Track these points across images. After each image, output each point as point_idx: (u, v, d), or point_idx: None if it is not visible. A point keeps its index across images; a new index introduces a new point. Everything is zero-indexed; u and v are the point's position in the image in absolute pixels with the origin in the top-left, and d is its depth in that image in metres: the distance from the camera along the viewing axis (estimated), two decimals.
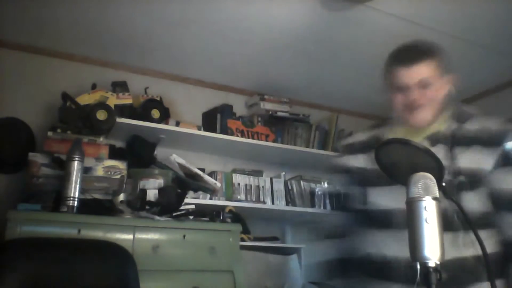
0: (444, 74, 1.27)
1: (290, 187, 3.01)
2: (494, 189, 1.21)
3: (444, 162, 1.05)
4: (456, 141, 1.23)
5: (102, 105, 2.33)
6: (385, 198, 1.23)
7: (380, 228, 1.24)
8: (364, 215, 1.30)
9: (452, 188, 1.15)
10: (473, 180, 1.18)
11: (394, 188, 1.15)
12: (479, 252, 0.90)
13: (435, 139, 1.24)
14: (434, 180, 0.82)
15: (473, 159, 1.20)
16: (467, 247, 1.12)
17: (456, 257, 1.11)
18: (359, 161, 1.34)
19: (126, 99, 2.50)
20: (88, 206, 1.99)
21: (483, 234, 0.97)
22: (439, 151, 1.19)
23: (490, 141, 1.22)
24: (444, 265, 0.95)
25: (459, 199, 1.11)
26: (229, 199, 2.74)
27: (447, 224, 0.92)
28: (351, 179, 1.38)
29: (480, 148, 1.21)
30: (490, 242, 1.16)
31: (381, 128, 1.40)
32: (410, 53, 1.28)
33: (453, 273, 1.06)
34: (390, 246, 1.20)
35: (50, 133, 2.26)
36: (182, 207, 2.24)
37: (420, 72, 1.23)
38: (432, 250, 0.77)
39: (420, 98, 1.23)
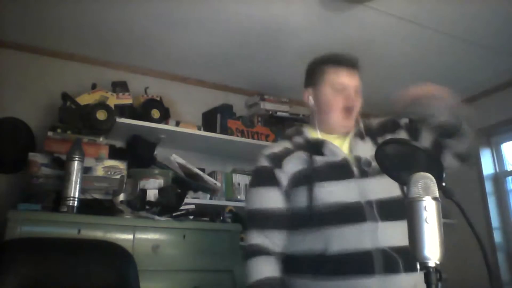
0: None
1: None
2: None
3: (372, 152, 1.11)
4: (377, 132, 1.39)
5: (102, 105, 2.33)
6: (339, 193, 1.24)
7: (338, 223, 1.21)
8: (310, 216, 1.26)
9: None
10: None
11: (344, 182, 1.25)
12: None
13: (360, 135, 1.37)
14: (434, 180, 0.82)
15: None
16: None
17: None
18: (295, 164, 1.33)
19: (126, 99, 2.50)
20: (88, 206, 1.99)
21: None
22: (367, 143, 1.34)
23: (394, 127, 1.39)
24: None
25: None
26: (229, 199, 2.74)
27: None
28: (283, 190, 1.34)
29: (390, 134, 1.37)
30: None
31: (298, 136, 1.44)
32: (350, 59, 1.38)
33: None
34: (353, 239, 1.19)
35: (50, 133, 2.26)
36: (182, 207, 2.24)
37: (357, 78, 1.37)
38: (432, 250, 0.77)
39: (355, 102, 1.35)
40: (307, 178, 1.29)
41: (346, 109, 1.34)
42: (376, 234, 1.19)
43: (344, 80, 1.36)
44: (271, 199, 1.34)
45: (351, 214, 1.21)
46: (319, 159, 1.31)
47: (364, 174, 1.27)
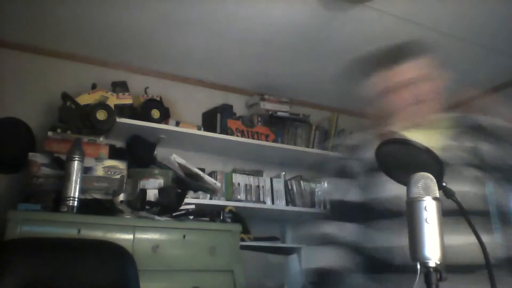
0: (434, 70, 1.28)
1: (290, 187, 3.01)
2: None
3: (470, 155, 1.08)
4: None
5: (102, 105, 2.33)
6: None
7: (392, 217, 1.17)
8: (369, 211, 1.24)
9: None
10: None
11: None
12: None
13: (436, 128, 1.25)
14: (435, 180, 0.82)
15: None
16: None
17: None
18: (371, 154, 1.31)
19: (126, 99, 2.50)
20: (88, 206, 1.99)
21: None
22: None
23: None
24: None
25: None
26: (229, 199, 2.74)
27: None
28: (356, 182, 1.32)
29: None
30: None
31: (378, 126, 1.37)
32: (398, 51, 1.29)
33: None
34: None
35: (50, 133, 2.26)
36: (182, 207, 2.24)
37: (409, 69, 1.25)
38: (433, 250, 0.77)
39: (408, 97, 1.23)
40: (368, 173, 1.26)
41: (412, 100, 1.24)
42: None
43: (394, 79, 1.24)
44: (344, 191, 1.33)
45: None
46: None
47: None
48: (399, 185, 1.01)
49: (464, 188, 1.14)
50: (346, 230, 1.29)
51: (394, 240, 1.15)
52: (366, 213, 1.27)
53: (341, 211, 1.33)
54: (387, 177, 1.06)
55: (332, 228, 1.31)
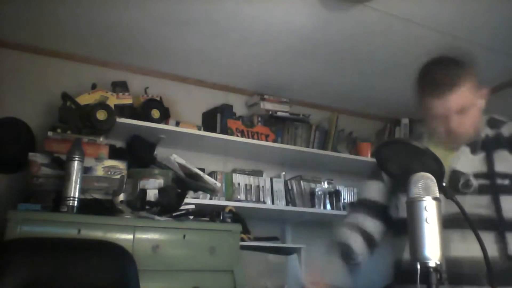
0: (477, 90, 1.23)
1: (290, 187, 3.01)
2: None
3: (482, 167, 1.12)
4: (494, 145, 1.23)
5: (102, 105, 2.33)
6: None
7: None
8: (399, 224, 1.28)
9: (492, 191, 1.16)
10: None
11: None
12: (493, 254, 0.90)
13: (474, 147, 1.24)
14: (435, 180, 0.82)
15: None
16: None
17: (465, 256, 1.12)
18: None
19: (126, 99, 2.50)
20: (88, 206, 1.99)
21: None
22: (479, 157, 1.21)
23: None
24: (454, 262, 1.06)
25: (499, 202, 1.15)
26: (229, 199, 2.74)
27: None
28: (387, 187, 1.36)
29: None
30: None
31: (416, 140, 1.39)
32: (440, 83, 1.18)
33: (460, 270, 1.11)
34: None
35: (50, 133, 2.26)
36: (182, 207, 2.24)
37: (454, 101, 1.17)
38: (432, 250, 0.77)
39: (459, 125, 1.19)
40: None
41: (447, 133, 1.21)
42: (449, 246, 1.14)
43: (437, 110, 1.19)
44: (371, 191, 1.40)
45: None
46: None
47: (456, 189, 1.19)
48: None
49: None
50: (365, 223, 1.36)
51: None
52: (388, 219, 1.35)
53: (365, 206, 1.39)
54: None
55: (353, 219, 1.39)
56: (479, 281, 1.10)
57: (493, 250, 1.12)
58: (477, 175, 1.18)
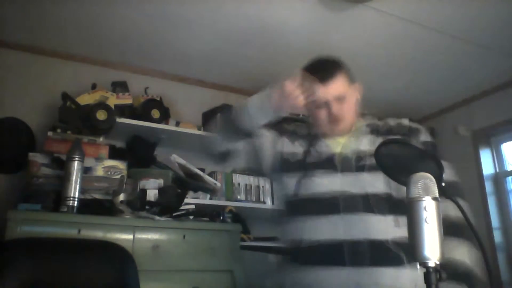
0: (352, 84, 1.37)
1: None
2: None
3: (371, 147, 1.21)
4: (376, 132, 1.36)
5: (102, 105, 2.33)
6: (327, 186, 1.28)
7: (320, 213, 1.26)
8: (295, 204, 1.33)
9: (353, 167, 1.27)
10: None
11: (327, 176, 1.27)
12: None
13: (358, 134, 1.36)
14: (434, 180, 0.82)
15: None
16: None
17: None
18: (298, 149, 1.38)
19: (126, 99, 2.50)
20: (88, 206, 1.99)
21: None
22: (366, 139, 1.33)
23: (406, 133, 1.36)
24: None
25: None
26: (229, 199, 2.74)
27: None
28: (277, 165, 1.40)
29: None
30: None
31: (305, 127, 1.47)
32: (324, 70, 1.35)
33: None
34: (336, 230, 1.21)
35: (50, 133, 2.26)
36: (182, 207, 2.24)
37: (335, 87, 1.32)
38: (432, 250, 0.77)
39: (339, 111, 1.32)
40: (300, 167, 1.34)
41: (331, 121, 1.33)
42: (350, 225, 1.21)
43: (322, 95, 1.31)
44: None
45: (325, 206, 1.25)
46: (312, 152, 1.37)
47: (349, 169, 1.29)
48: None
49: None
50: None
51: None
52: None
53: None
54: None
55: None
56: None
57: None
58: (369, 154, 1.24)
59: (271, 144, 1.43)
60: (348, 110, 1.34)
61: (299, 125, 1.50)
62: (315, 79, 1.29)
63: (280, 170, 1.39)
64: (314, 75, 1.31)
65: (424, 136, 1.36)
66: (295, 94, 1.22)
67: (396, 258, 1.17)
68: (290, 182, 1.33)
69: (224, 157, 1.49)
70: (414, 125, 1.40)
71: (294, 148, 1.39)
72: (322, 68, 1.37)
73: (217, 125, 1.53)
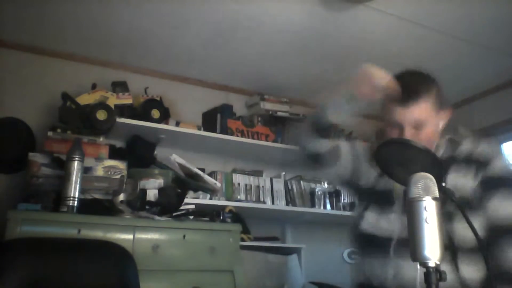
0: (439, 110, 1.23)
1: (290, 187, 3.01)
2: (489, 215, 1.13)
3: None
4: (447, 167, 1.20)
5: (102, 105, 2.33)
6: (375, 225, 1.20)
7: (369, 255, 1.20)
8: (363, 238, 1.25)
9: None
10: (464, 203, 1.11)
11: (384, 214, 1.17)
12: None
13: None
14: (434, 181, 0.82)
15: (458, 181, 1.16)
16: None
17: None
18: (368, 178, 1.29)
19: (126, 99, 2.50)
20: (88, 206, 1.99)
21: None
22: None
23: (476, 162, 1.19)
24: None
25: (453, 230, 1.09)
26: (229, 199, 2.74)
27: None
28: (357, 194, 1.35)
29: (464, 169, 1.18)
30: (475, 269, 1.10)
31: None
32: (408, 91, 1.18)
33: None
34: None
35: (50, 133, 2.26)
36: (182, 207, 2.24)
37: (415, 112, 1.18)
38: (432, 250, 0.77)
39: (412, 139, 1.15)
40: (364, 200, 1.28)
41: None
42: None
43: (396, 118, 1.19)
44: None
45: (380, 247, 1.17)
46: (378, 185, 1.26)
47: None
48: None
49: None
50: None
51: None
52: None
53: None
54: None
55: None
56: None
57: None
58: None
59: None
60: (425, 139, 1.17)
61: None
62: (395, 99, 1.16)
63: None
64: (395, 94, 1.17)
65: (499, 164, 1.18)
66: (378, 75, 1.12)
67: None
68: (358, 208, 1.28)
69: (318, 159, 1.34)
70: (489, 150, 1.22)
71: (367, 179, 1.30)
72: (406, 86, 1.18)
73: (301, 132, 1.39)
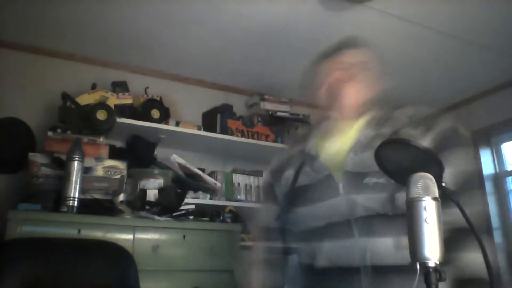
0: (373, 70, 1.21)
1: None
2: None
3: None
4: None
5: (102, 105, 2.33)
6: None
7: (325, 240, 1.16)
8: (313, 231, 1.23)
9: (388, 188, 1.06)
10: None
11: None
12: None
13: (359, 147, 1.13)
14: (434, 180, 0.82)
15: None
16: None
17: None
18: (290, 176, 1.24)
19: (126, 99, 2.50)
20: (88, 206, 1.99)
21: None
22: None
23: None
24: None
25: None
26: (229, 199, 2.74)
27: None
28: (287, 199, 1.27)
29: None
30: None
31: (304, 142, 1.28)
32: (334, 46, 1.24)
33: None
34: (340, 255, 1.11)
35: (50, 133, 2.26)
36: (182, 207, 2.24)
37: (343, 58, 1.21)
38: (432, 250, 0.77)
39: (343, 76, 1.17)
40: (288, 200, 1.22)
41: (331, 90, 1.20)
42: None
43: (326, 70, 1.24)
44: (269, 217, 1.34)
45: (337, 231, 1.13)
46: (301, 177, 1.19)
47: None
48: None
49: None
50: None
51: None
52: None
53: (268, 235, 1.38)
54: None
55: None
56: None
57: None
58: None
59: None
60: (353, 75, 1.16)
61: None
62: (323, 57, 1.17)
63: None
64: (323, 54, 1.19)
65: (443, 124, 1.11)
66: None
67: None
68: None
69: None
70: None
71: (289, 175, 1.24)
72: (334, 46, 1.23)
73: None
